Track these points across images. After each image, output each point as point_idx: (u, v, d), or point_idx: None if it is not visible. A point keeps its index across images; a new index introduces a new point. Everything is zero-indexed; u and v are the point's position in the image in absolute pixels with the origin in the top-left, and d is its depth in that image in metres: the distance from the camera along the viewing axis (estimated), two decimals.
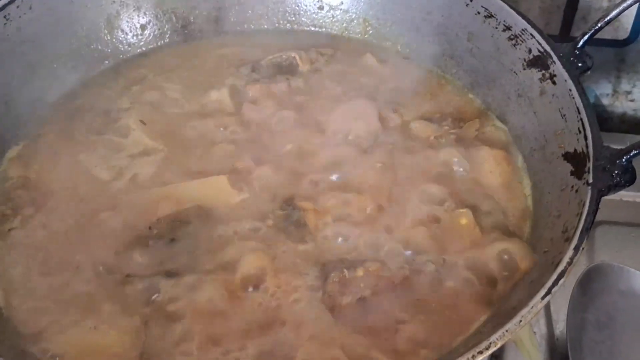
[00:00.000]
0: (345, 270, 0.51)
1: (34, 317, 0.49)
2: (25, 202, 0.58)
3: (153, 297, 0.50)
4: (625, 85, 0.95)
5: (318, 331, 0.47)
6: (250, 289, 0.51)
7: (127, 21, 0.75)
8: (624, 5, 0.60)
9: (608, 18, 0.61)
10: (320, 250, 0.54)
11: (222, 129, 0.65)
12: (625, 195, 0.81)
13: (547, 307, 0.69)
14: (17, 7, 0.65)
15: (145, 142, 0.64)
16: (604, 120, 0.98)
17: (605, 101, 0.97)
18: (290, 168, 0.61)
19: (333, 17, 0.80)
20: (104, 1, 0.73)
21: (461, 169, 0.61)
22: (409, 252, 0.54)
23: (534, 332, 0.67)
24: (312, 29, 0.80)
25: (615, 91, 0.96)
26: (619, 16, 0.85)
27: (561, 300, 0.67)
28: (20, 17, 0.66)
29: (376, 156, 0.62)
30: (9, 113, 0.65)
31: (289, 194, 0.59)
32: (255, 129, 0.66)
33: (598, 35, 0.89)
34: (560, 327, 0.67)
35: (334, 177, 0.60)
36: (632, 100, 0.96)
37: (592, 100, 0.94)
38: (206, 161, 0.62)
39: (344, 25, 0.79)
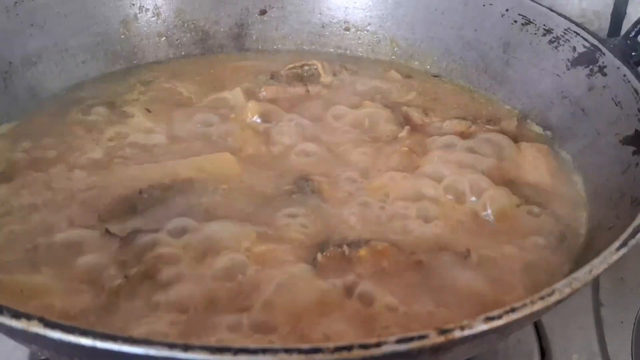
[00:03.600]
0: (346, 247, 0.42)
1: None
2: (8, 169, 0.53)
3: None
4: None
5: None
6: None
7: (145, 27, 0.72)
8: None
9: None
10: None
11: (231, 118, 0.60)
12: None
13: (603, 343, 0.58)
14: None
15: (147, 126, 0.58)
16: None
17: None
18: (302, 152, 0.54)
19: (359, 38, 0.76)
20: (123, 2, 0.70)
21: (504, 157, 0.53)
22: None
23: None
24: (338, 50, 0.76)
25: None
26: None
27: (618, 336, 0.56)
28: None
29: (402, 143, 0.55)
30: (7, 90, 0.60)
31: (300, 174, 0.51)
32: (266, 119, 0.59)
33: None
34: None
35: (353, 163, 0.53)
36: None
37: None
38: (210, 145, 0.56)
39: (371, 47, 0.76)
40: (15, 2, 0.62)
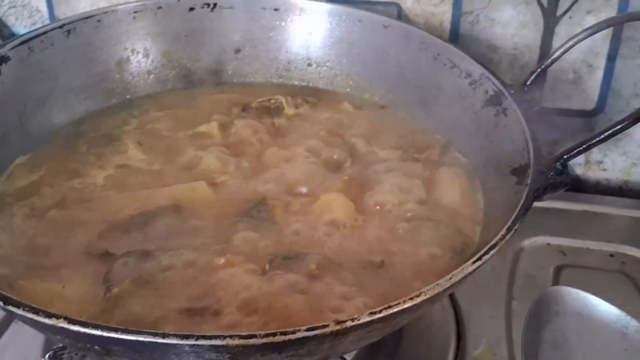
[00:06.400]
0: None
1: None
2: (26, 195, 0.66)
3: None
4: (596, 155, 1.01)
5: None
6: None
7: (136, 66, 0.85)
8: (567, 45, 0.68)
9: (552, 58, 0.69)
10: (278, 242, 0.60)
11: (209, 149, 0.73)
12: (591, 244, 0.85)
13: (509, 331, 0.71)
14: (41, 41, 0.75)
15: (139, 157, 0.71)
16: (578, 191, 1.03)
17: (578, 171, 1.03)
18: (265, 179, 0.68)
19: (319, 73, 0.89)
20: (117, 47, 0.83)
21: (420, 183, 0.67)
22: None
23: (495, 354, 0.69)
24: (302, 83, 0.89)
25: (587, 161, 1.02)
26: (586, 87, 0.95)
27: (522, 324, 0.70)
28: (42, 50, 0.75)
29: (344, 173, 0.68)
30: (22, 127, 0.73)
31: (261, 198, 0.65)
32: (238, 150, 0.73)
33: (567, 106, 0.98)
34: (520, 350, 0.69)
35: (304, 189, 0.67)
36: (604, 170, 1.02)
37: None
38: (190, 174, 0.69)
39: (329, 80, 0.89)
40: (28, 54, 0.74)
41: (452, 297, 0.75)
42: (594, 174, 1.02)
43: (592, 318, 0.67)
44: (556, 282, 0.79)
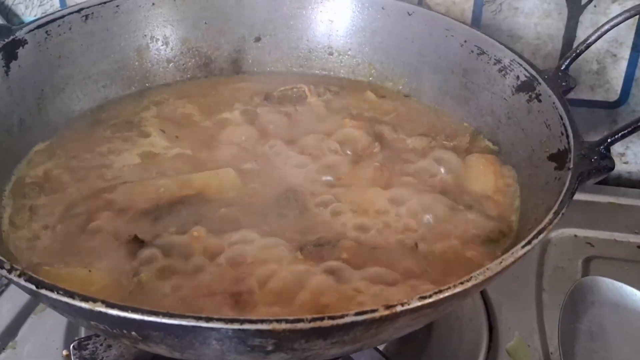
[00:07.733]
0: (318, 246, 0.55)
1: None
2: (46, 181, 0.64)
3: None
4: (618, 147, 1.00)
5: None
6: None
7: (155, 54, 0.83)
8: (601, 31, 0.67)
9: (587, 43, 0.68)
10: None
11: (232, 137, 0.71)
12: (618, 235, 0.84)
13: (541, 322, 0.70)
14: (59, 26, 0.73)
15: (163, 144, 0.70)
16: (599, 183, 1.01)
17: None
18: (292, 167, 0.66)
19: (341, 62, 0.87)
20: (136, 34, 0.81)
21: (453, 170, 0.65)
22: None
23: (528, 346, 0.67)
24: (322, 72, 0.87)
25: None
26: (609, 78, 0.93)
27: (554, 317, 0.68)
28: (60, 34, 0.74)
29: (373, 160, 0.67)
30: (40, 114, 0.71)
31: (289, 185, 0.63)
32: (262, 138, 0.71)
33: (589, 97, 0.96)
34: (554, 342, 0.67)
35: (332, 176, 0.65)
36: (626, 163, 1.00)
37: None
38: (216, 161, 0.67)
39: (351, 69, 0.87)
40: (45, 38, 0.72)
41: None
42: (616, 166, 1.00)
43: (628, 308, 0.65)
44: (586, 273, 0.77)
